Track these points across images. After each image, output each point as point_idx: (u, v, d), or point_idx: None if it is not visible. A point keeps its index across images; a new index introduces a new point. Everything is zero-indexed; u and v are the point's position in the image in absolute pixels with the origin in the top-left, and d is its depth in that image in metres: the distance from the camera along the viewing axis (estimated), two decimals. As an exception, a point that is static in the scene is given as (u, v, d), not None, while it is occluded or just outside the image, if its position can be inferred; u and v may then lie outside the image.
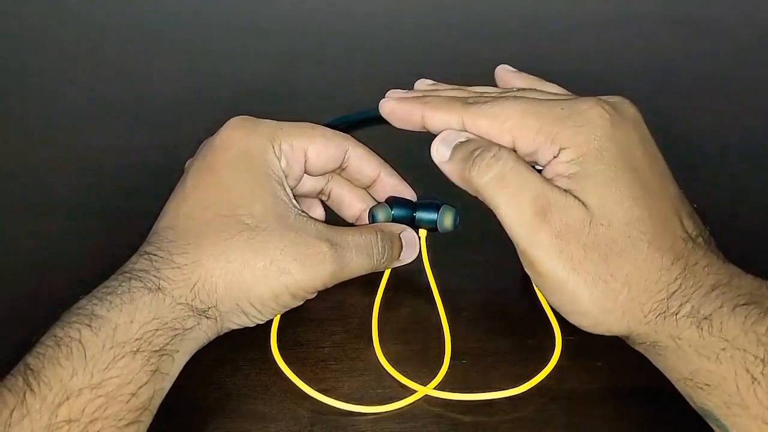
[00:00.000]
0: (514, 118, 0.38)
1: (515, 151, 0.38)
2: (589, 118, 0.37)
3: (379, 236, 0.40)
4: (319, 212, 0.46)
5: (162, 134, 0.57)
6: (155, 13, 0.75)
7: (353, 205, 0.45)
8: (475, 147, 0.38)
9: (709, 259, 0.35)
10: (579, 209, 0.35)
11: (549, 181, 0.37)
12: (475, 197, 0.39)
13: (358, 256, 0.39)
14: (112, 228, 0.48)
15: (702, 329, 0.33)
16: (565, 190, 0.36)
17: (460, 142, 0.39)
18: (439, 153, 0.39)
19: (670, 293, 0.34)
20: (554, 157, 0.37)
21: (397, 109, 0.41)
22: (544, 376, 0.39)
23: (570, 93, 0.42)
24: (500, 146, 0.38)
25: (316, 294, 0.40)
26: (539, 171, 0.38)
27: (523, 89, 0.42)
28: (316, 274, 0.37)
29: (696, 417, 0.35)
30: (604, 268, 0.35)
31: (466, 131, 0.39)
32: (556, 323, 0.41)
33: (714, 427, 0.34)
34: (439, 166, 0.40)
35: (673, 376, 0.35)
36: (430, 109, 0.40)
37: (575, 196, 0.36)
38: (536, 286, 0.39)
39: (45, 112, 0.60)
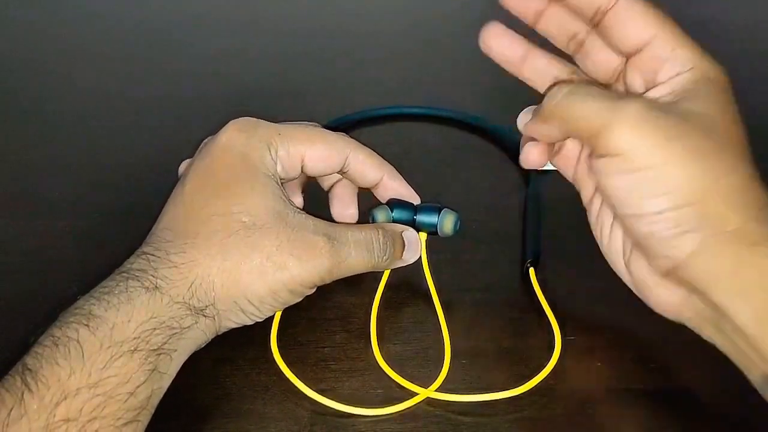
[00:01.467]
0: (669, 21, 0.35)
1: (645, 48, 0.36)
2: (719, 69, 0.35)
3: (380, 233, 0.40)
4: (298, 201, 0.44)
5: (162, 134, 0.57)
6: (156, 12, 0.75)
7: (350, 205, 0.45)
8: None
9: None
10: (678, 111, 0.33)
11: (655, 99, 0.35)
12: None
13: (356, 251, 0.39)
14: (112, 228, 0.48)
15: None
16: (671, 103, 0.34)
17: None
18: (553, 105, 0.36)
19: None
20: (678, 75, 0.35)
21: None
22: (544, 376, 0.38)
23: None
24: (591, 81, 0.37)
25: (314, 289, 0.39)
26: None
27: None
28: (313, 269, 0.37)
29: (696, 417, 0.35)
30: (708, 143, 0.32)
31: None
32: (556, 323, 0.41)
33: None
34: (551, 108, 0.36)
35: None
36: None
37: (679, 106, 0.34)
38: (598, 169, 0.34)
39: (45, 112, 0.60)
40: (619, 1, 0.35)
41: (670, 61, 0.35)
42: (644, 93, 0.36)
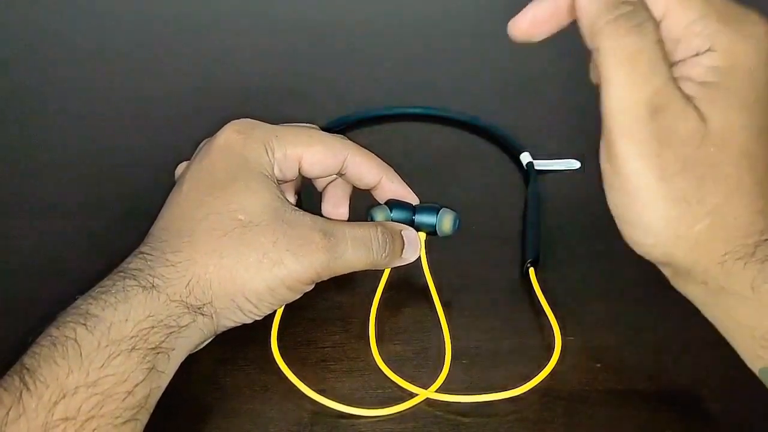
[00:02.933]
0: None
1: (659, 26, 0.33)
2: (757, 32, 0.32)
3: (379, 230, 0.40)
4: (292, 201, 0.44)
5: (162, 134, 0.57)
6: (157, 12, 0.75)
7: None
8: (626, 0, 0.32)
9: None
10: (695, 121, 0.31)
11: (675, 79, 0.32)
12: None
13: (354, 247, 0.39)
14: (112, 228, 0.48)
15: None
16: (689, 97, 0.32)
17: None
18: None
19: (760, 240, 0.31)
20: (695, 55, 0.33)
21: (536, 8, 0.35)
22: (543, 377, 0.38)
23: None
24: (650, 15, 0.32)
25: (312, 286, 0.39)
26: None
27: None
28: (310, 264, 0.37)
29: (696, 418, 0.34)
30: (695, 189, 0.31)
31: None
32: (556, 323, 0.40)
33: None
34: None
35: (739, 332, 0.32)
36: None
37: (697, 107, 0.32)
38: (605, 183, 0.34)
39: (45, 112, 0.60)
40: None
41: (685, 38, 0.33)
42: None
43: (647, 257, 0.34)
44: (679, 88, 0.32)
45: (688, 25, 0.32)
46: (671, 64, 0.33)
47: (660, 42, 0.32)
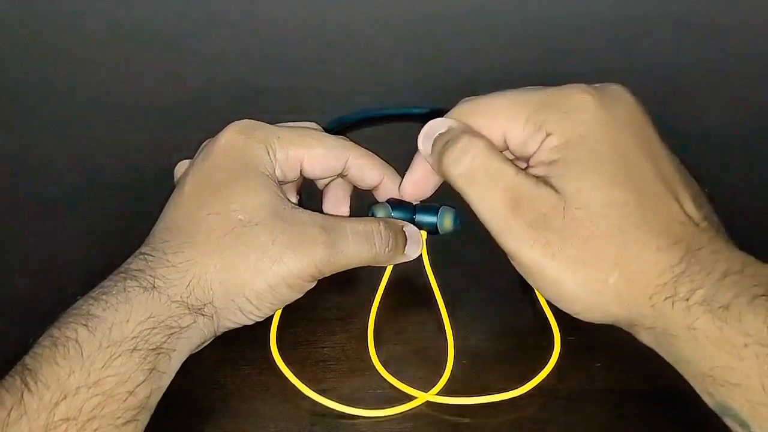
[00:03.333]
0: (502, 111, 0.37)
1: (506, 144, 0.38)
2: (574, 103, 0.36)
3: (381, 225, 0.40)
4: (293, 200, 0.44)
5: (162, 135, 0.57)
6: (158, 13, 0.75)
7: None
8: (448, 138, 0.37)
9: (717, 245, 0.33)
10: (552, 197, 0.35)
11: (523, 171, 0.36)
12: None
13: (355, 242, 0.39)
14: (112, 228, 0.48)
15: (719, 320, 0.31)
16: (540, 179, 0.35)
17: (440, 133, 0.38)
18: (424, 147, 0.39)
19: (676, 275, 0.32)
20: (541, 143, 0.36)
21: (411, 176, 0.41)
22: (543, 377, 0.38)
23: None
24: (471, 135, 0.37)
25: (314, 283, 0.39)
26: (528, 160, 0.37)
27: None
28: (310, 260, 0.37)
29: (695, 417, 0.35)
30: (586, 250, 0.34)
31: (451, 119, 0.39)
32: (555, 323, 0.40)
33: (733, 426, 0.32)
34: (427, 161, 0.40)
35: (689, 371, 0.33)
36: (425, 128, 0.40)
37: (551, 185, 0.35)
38: (524, 277, 0.37)
39: (45, 112, 0.61)
40: None
41: (529, 139, 0.37)
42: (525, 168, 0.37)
43: (593, 321, 0.36)
44: (529, 176, 0.36)
45: (523, 129, 0.37)
46: (527, 160, 0.37)
47: (490, 150, 0.36)
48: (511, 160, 0.37)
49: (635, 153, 0.35)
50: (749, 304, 0.30)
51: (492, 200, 0.36)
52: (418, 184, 0.41)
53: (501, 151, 0.38)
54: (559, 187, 0.35)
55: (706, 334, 0.31)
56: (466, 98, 0.40)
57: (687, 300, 0.32)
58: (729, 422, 0.32)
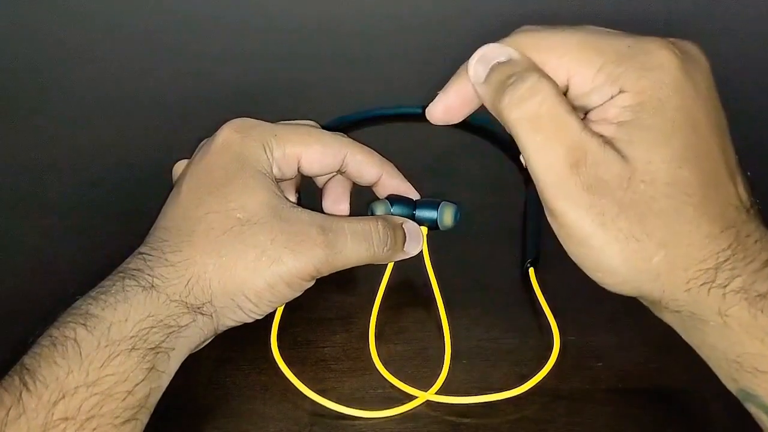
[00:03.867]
0: (573, 52, 0.33)
1: (567, 89, 0.34)
2: (658, 62, 0.32)
3: (380, 224, 0.40)
4: (292, 199, 0.44)
5: (161, 134, 0.57)
6: (157, 13, 0.75)
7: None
8: (511, 72, 0.33)
9: (763, 232, 0.32)
10: (618, 164, 0.32)
11: (589, 128, 0.33)
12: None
13: (354, 241, 0.38)
14: (112, 228, 0.48)
15: (755, 308, 0.30)
16: (606, 141, 0.32)
17: (499, 62, 0.34)
18: (476, 72, 0.35)
19: (719, 263, 0.31)
20: (610, 98, 0.33)
21: (446, 97, 0.37)
22: (543, 377, 0.38)
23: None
24: (540, 75, 0.33)
25: (313, 282, 0.39)
26: (587, 112, 0.34)
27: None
28: (308, 260, 0.37)
29: (696, 417, 0.34)
30: (639, 226, 0.31)
31: (512, 48, 0.34)
32: (555, 323, 0.40)
33: (756, 412, 0.32)
34: (475, 88, 0.35)
35: (714, 356, 0.32)
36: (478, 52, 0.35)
37: (617, 149, 0.32)
38: (558, 236, 0.35)
39: (45, 112, 0.61)
40: None
41: (595, 89, 0.33)
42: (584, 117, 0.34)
43: (620, 293, 0.34)
44: (596, 135, 0.32)
45: (593, 78, 0.33)
46: (587, 111, 0.34)
47: (558, 96, 0.33)
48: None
49: (706, 127, 0.33)
50: None
51: (553, 154, 0.32)
52: (451, 109, 0.37)
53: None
54: (628, 154, 0.32)
55: (739, 321, 0.31)
56: (527, 26, 0.36)
57: (724, 287, 0.31)
58: (752, 408, 0.32)
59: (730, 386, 0.32)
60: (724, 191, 0.32)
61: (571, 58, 0.33)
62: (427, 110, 0.38)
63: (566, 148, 0.32)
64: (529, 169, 0.33)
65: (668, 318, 0.34)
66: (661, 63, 0.32)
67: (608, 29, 0.35)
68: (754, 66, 0.65)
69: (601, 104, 0.33)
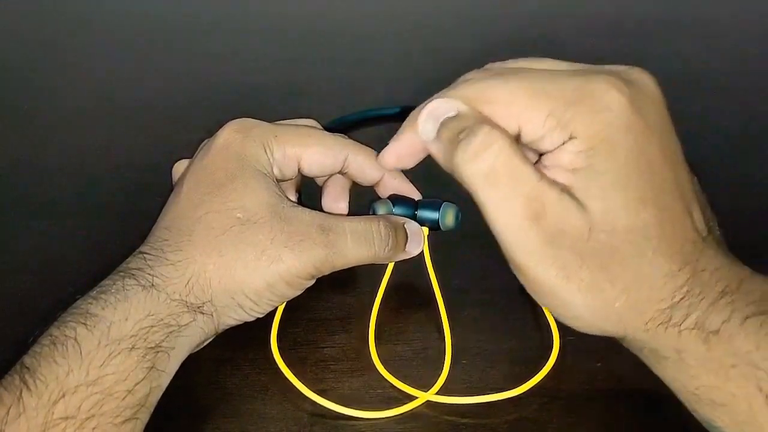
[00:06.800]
0: (520, 100, 0.33)
1: (519, 136, 0.33)
2: (605, 103, 0.31)
3: (381, 223, 0.40)
4: (293, 199, 0.44)
5: (162, 135, 0.57)
6: (157, 13, 0.75)
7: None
8: (462, 126, 0.33)
9: (719, 261, 0.32)
10: (577, 215, 0.31)
11: (546, 176, 0.32)
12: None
13: (354, 241, 0.38)
14: (112, 228, 0.48)
15: (708, 343, 0.30)
16: (564, 189, 0.32)
17: (449, 117, 0.33)
18: (425, 131, 0.34)
19: (674, 302, 0.31)
20: (562, 144, 0.32)
21: (396, 145, 0.37)
22: (542, 377, 0.38)
23: (571, 63, 0.36)
24: (492, 127, 0.32)
25: (313, 281, 0.39)
26: (541, 155, 0.34)
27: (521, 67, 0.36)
28: (308, 260, 0.37)
29: (693, 420, 0.34)
30: (601, 275, 0.31)
31: (459, 101, 0.34)
32: (555, 324, 0.40)
33: None
34: (427, 145, 0.35)
35: (675, 387, 0.33)
36: (427, 103, 0.35)
37: (575, 197, 0.32)
38: (526, 289, 0.34)
39: (45, 112, 0.61)
40: None
41: (547, 135, 0.32)
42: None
43: (585, 332, 0.34)
44: (553, 184, 0.32)
45: (543, 124, 0.32)
46: (541, 155, 0.33)
47: (512, 146, 0.32)
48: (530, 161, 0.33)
49: (660, 164, 0.32)
50: (740, 326, 0.30)
51: (511, 208, 0.31)
52: (403, 157, 0.37)
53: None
54: (585, 203, 0.31)
55: (695, 356, 0.31)
56: (471, 74, 0.35)
57: (680, 325, 0.31)
58: None
59: (696, 416, 0.33)
60: (680, 226, 0.32)
61: (519, 106, 0.33)
62: (379, 157, 0.38)
63: (524, 200, 0.31)
64: (489, 225, 0.33)
65: (633, 350, 0.34)
66: (608, 104, 0.31)
67: (556, 68, 0.35)
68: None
69: (553, 150, 0.33)
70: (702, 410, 0.32)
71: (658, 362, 0.33)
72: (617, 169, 0.31)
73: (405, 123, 0.36)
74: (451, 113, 0.33)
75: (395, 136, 0.37)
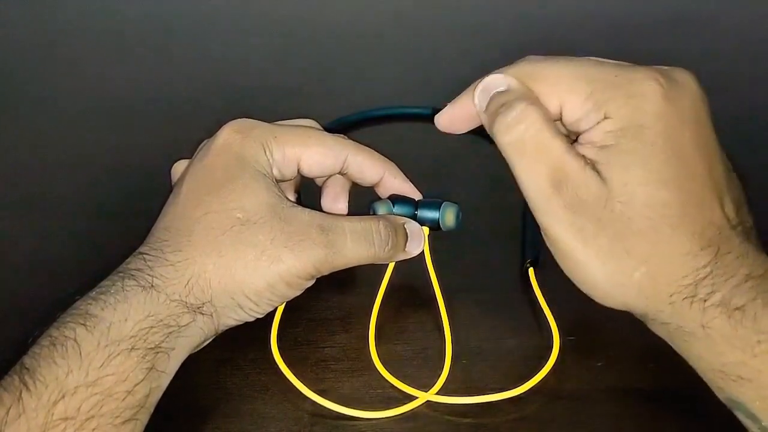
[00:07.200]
0: (564, 81, 0.36)
1: (561, 115, 0.36)
2: (640, 90, 0.34)
3: (381, 223, 0.40)
4: (293, 198, 0.44)
5: (161, 135, 0.57)
6: (157, 13, 0.75)
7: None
8: (504, 101, 0.36)
9: (745, 249, 0.33)
10: (596, 184, 0.34)
11: (574, 150, 0.35)
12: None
13: (354, 241, 0.38)
14: (112, 228, 0.48)
15: (734, 320, 0.31)
16: (588, 162, 0.34)
17: (498, 92, 0.37)
18: (479, 102, 0.38)
19: (698, 279, 0.32)
20: (597, 123, 0.35)
21: (452, 110, 0.40)
22: (543, 376, 0.38)
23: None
24: (528, 103, 0.35)
25: (313, 281, 0.39)
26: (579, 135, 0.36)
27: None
28: (307, 260, 0.37)
29: (696, 417, 0.35)
30: (618, 245, 0.34)
31: (512, 77, 0.37)
32: (555, 324, 0.40)
33: (743, 419, 0.33)
34: (479, 114, 0.38)
35: (701, 366, 0.34)
36: (480, 82, 0.38)
37: (597, 170, 0.34)
38: (551, 251, 0.37)
39: (45, 112, 0.61)
40: None
41: (584, 116, 0.35)
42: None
43: (608, 306, 0.36)
44: (579, 157, 0.35)
45: (582, 105, 0.35)
46: (577, 134, 0.36)
47: (544, 122, 0.35)
48: (563, 135, 0.36)
49: (691, 151, 0.34)
50: (765, 307, 0.31)
51: (536, 175, 0.35)
52: (454, 121, 0.40)
53: (555, 121, 0.36)
54: (606, 175, 0.34)
55: (721, 332, 0.32)
56: (531, 56, 0.38)
57: (705, 301, 0.32)
58: (739, 416, 0.33)
59: (720, 395, 0.33)
60: (707, 212, 0.34)
61: (562, 86, 0.36)
62: (435, 117, 0.40)
63: (547, 169, 0.35)
64: (521, 190, 0.36)
65: (658, 330, 0.35)
66: (643, 91, 0.34)
67: (604, 60, 0.38)
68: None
69: (589, 129, 0.35)
70: (728, 387, 0.32)
71: (684, 340, 0.34)
72: (642, 149, 0.34)
73: (464, 91, 0.39)
74: (502, 88, 0.37)
75: (453, 100, 0.40)
